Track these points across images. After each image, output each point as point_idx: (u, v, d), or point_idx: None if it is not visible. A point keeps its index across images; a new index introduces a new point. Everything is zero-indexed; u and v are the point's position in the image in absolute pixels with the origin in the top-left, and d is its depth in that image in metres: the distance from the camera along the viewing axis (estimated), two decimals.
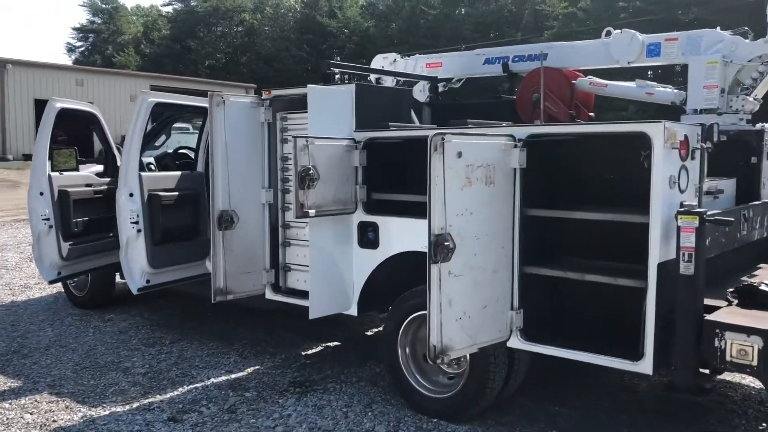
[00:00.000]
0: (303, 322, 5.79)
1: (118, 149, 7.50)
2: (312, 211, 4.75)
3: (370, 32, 53.06)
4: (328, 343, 6.53)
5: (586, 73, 7.22)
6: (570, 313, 4.68)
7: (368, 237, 5.10)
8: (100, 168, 7.72)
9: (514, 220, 4.28)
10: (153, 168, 7.74)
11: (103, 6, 72.11)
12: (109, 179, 7.28)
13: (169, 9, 69.25)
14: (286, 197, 5.83)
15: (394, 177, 5.27)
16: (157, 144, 7.74)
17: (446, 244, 3.81)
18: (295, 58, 53.65)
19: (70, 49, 72.64)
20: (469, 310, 4.04)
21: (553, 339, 4.31)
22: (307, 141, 4.70)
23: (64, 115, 6.69)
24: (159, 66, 53.52)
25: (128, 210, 5.94)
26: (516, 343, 4.36)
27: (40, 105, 32.42)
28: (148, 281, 6.10)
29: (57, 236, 6.52)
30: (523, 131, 4.33)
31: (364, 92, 5.18)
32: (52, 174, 6.57)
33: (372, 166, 5.11)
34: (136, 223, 5.92)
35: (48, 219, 6.45)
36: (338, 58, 48.08)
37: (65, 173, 6.77)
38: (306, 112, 5.36)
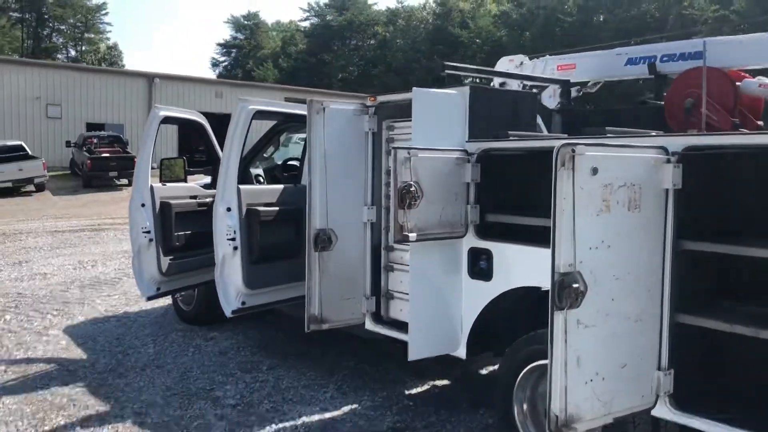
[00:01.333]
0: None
1: None
2: (413, 235, 4.05)
3: (503, 41, 51.87)
4: (435, 382, 5.79)
5: (753, 73, 6.04)
6: (730, 377, 3.65)
7: (480, 266, 4.32)
8: (208, 180, 7.44)
9: (665, 255, 3.34)
10: (262, 180, 7.36)
11: (246, 22, 75.71)
12: (215, 191, 6.97)
13: (306, 24, 71.51)
14: (388, 216, 5.18)
15: (512, 196, 4.46)
16: (266, 155, 7.37)
17: (575, 286, 2.98)
18: (426, 69, 53.45)
19: (215, 64, 76.93)
20: (604, 369, 3.16)
21: (711, 410, 3.32)
22: (409, 153, 4.01)
23: (183, 125, 6.44)
24: (295, 79, 55.19)
25: (225, 225, 5.52)
26: (664, 412, 3.40)
27: None
28: (243, 303, 5.64)
29: (157, 250, 6.24)
30: (678, 142, 3.40)
31: (479, 96, 4.43)
32: (155, 185, 6.31)
33: (486, 183, 4.34)
34: (233, 239, 5.48)
35: (149, 232, 6.19)
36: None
37: (169, 184, 6.51)
38: (410, 120, 4.71)
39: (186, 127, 6.87)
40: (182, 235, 6.46)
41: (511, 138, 4.27)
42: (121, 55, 72.48)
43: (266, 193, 5.86)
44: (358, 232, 5.15)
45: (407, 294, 4.94)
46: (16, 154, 25.39)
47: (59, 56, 64.35)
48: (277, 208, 5.77)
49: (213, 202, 6.78)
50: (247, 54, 73.27)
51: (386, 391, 5.57)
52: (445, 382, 5.81)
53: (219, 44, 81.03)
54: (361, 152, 5.12)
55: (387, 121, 5.14)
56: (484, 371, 6.08)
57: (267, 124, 6.61)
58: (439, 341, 4.40)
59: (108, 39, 71.90)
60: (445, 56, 53.12)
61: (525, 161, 4.36)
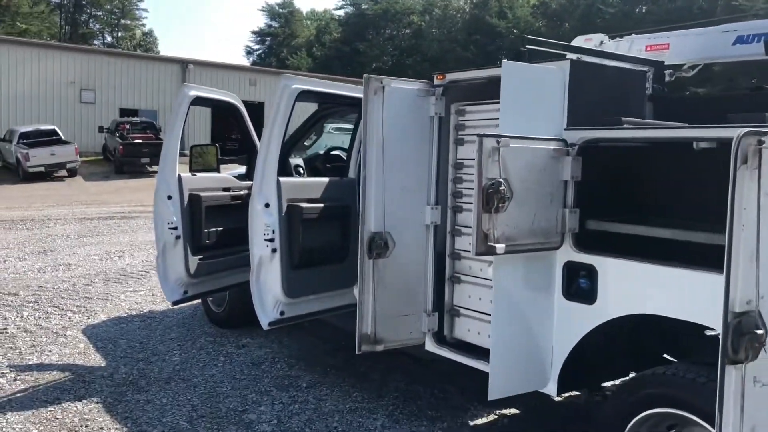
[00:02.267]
0: (471, 374, 4.29)
1: None
2: (500, 246, 3.22)
3: (542, 32, 50.47)
4: (503, 411, 4.96)
5: None
6: None
7: (579, 286, 3.48)
8: (242, 170, 6.69)
9: None
10: (302, 172, 6.59)
11: (281, 10, 75.07)
12: (250, 183, 6.21)
13: (341, 12, 70.65)
14: (457, 217, 4.36)
15: (622, 199, 3.61)
16: (306, 143, 6.58)
17: (758, 332, 2.12)
18: (462, 59, 52.39)
19: (249, 52, 76.47)
20: None
21: None
22: (498, 141, 3.18)
23: (215, 107, 5.70)
24: (328, 68, 54.43)
25: (262, 224, 4.75)
26: None
27: None
28: (282, 313, 4.88)
29: (185, 248, 5.51)
30: None
31: (581, 73, 3.57)
32: (183, 175, 5.57)
33: (588, 182, 3.49)
34: (272, 240, 4.71)
35: (175, 228, 5.45)
36: (506, 60, 45.84)
37: (199, 174, 5.77)
38: (492, 103, 3.88)
39: (219, 111, 6.11)
40: (213, 232, 5.72)
41: (626, 126, 3.40)
42: (156, 42, 72.43)
43: (310, 187, 5.07)
44: (418, 237, 4.34)
45: (477, 312, 4.14)
46: (49, 139, 25.11)
47: (96, 42, 64.42)
48: (322, 205, 4.98)
49: (248, 195, 6.05)
50: (282, 42, 72.65)
51: (446, 420, 4.76)
52: (514, 411, 4.98)
53: (253, 32, 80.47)
54: (425, 141, 4.30)
55: (456, 104, 4.32)
56: (558, 399, 5.23)
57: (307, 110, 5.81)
58: (525, 376, 3.57)
59: (144, 25, 71.85)
60: (481, 46, 51.87)
61: (644, 156, 3.49)
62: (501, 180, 3.17)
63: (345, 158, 6.59)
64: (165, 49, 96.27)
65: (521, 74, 3.47)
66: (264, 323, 4.86)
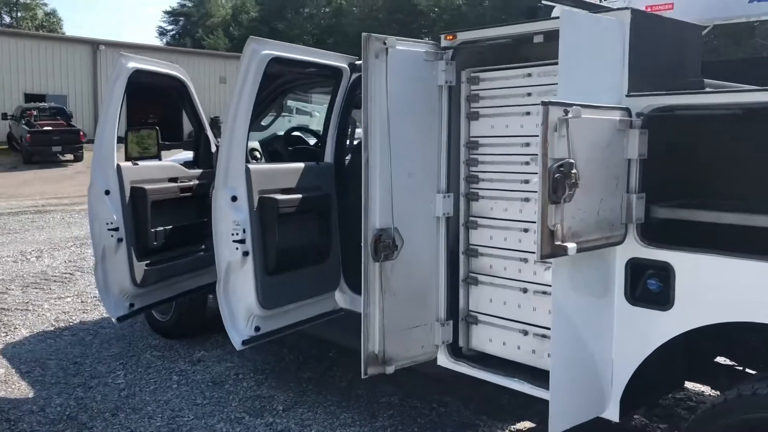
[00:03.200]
0: (470, 380, 3.63)
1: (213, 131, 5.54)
2: (571, 246, 2.53)
3: (462, 10, 50.29)
4: (517, 425, 4.32)
5: None
6: None
7: (648, 288, 2.84)
8: (188, 155, 5.77)
9: None
10: (258, 157, 5.74)
11: None
12: (200, 171, 5.32)
13: None
14: (472, 207, 3.65)
15: (697, 180, 2.99)
16: (263, 123, 5.71)
17: None
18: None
19: (162, 33, 73.09)
20: None
21: None
22: (567, 112, 2.47)
23: (141, 83, 4.76)
24: None
25: (230, 222, 3.89)
26: None
27: None
28: (257, 329, 4.05)
29: (129, 253, 4.58)
30: None
31: (643, 26, 2.90)
32: (123, 165, 4.63)
33: (653, 160, 2.85)
34: (242, 242, 3.87)
35: (116, 229, 4.52)
36: (428, 38, 45.50)
37: (141, 163, 4.83)
38: (514, 68, 3.20)
39: (161, 87, 5.16)
40: (161, 232, 4.81)
41: (709, 90, 2.75)
42: (60, 23, 67.90)
43: (283, 174, 4.23)
44: (427, 231, 3.62)
45: (498, 317, 3.48)
46: None
47: None
48: (300, 196, 4.17)
49: (199, 186, 5.17)
50: (196, 22, 69.71)
51: None
52: (529, 425, 4.35)
53: (166, 12, 77.03)
54: (433, 116, 3.56)
55: (468, 70, 3.59)
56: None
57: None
58: (585, 400, 2.92)
59: (45, 5, 67.26)
60: (403, 25, 51.17)
61: (728, 127, 2.87)
62: (571, 161, 2.47)
63: (308, 140, 5.79)
64: (70, 30, 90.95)
65: (580, 26, 2.77)
66: (236, 342, 4.02)
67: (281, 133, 5.84)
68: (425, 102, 3.52)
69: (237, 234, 3.89)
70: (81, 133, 24.58)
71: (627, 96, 2.84)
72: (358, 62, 4.57)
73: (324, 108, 4.82)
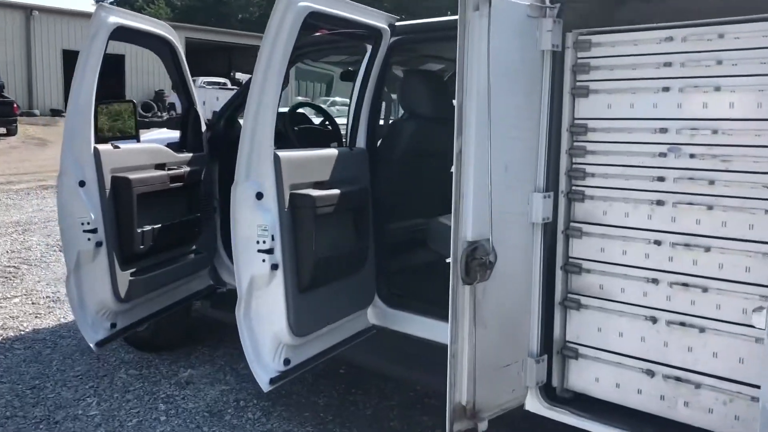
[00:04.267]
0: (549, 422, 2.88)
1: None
2: None
3: None
4: None
5: None
6: None
7: None
8: (170, 135, 4.80)
9: None
10: None
11: None
12: (190, 155, 4.36)
13: None
14: (574, 209, 2.86)
15: None
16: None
17: None
18: None
19: (99, 0, 69.60)
20: None
21: None
22: None
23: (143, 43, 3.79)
24: (191, 19, 50.33)
25: (254, 226, 3.00)
26: None
27: (69, 56, 29.76)
28: (287, 362, 3.18)
29: (110, 261, 3.62)
30: None
31: None
32: (102, 148, 3.64)
33: None
34: (269, 251, 2.97)
35: (94, 230, 3.55)
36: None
37: (123, 145, 3.85)
38: (643, 30, 2.42)
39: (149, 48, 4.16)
40: (149, 233, 3.85)
41: None
42: None
43: (315, 163, 3.34)
44: (521, 241, 2.81)
45: (611, 352, 2.73)
46: None
47: None
48: (337, 192, 3.29)
49: (191, 172, 4.23)
50: None
51: None
52: None
53: None
54: (534, 89, 2.74)
55: (576, 32, 2.77)
56: None
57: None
58: None
59: None
60: None
61: None
62: None
63: (319, 121, 4.90)
64: None
65: None
66: (263, 382, 3.13)
67: (284, 109, 4.90)
68: (527, 71, 2.69)
69: (264, 242, 3.00)
70: (15, 105, 22.79)
71: None
72: (399, 23, 3.71)
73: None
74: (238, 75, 31.04)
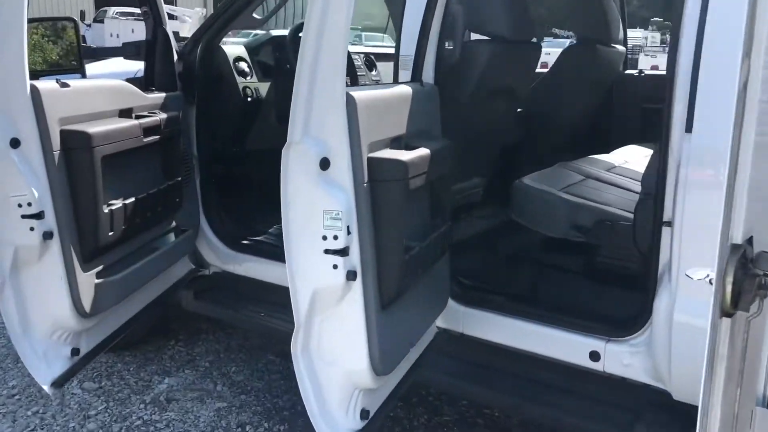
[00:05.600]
0: None
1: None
2: None
3: None
4: None
5: None
6: None
7: None
8: (130, 67, 3.50)
9: None
10: (247, 71, 3.58)
11: None
12: (163, 95, 3.09)
13: None
14: None
15: None
16: (257, 16, 3.50)
17: None
18: None
19: None
20: None
21: None
22: None
23: None
24: None
25: (318, 211, 1.86)
26: None
27: None
28: (364, 414, 2.10)
29: (66, 258, 2.39)
30: None
31: None
32: (43, 87, 2.34)
33: None
34: (343, 252, 1.85)
35: (38, 215, 2.29)
36: None
37: (73, 82, 2.54)
38: None
39: None
40: (119, 211, 2.61)
41: None
42: None
43: (391, 108, 2.20)
44: None
45: None
46: None
47: None
48: (426, 152, 2.16)
49: (167, 120, 3.01)
50: None
51: None
52: None
53: None
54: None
55: None
56: None
57: None
58: None
59: None
60: None
61: None
62: None
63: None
64: None
65: None
66: None
67: (282, 32, 3.66)
68: None
69: (335, 237, 1.86)
70: None
71: None
72: None
73: None
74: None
